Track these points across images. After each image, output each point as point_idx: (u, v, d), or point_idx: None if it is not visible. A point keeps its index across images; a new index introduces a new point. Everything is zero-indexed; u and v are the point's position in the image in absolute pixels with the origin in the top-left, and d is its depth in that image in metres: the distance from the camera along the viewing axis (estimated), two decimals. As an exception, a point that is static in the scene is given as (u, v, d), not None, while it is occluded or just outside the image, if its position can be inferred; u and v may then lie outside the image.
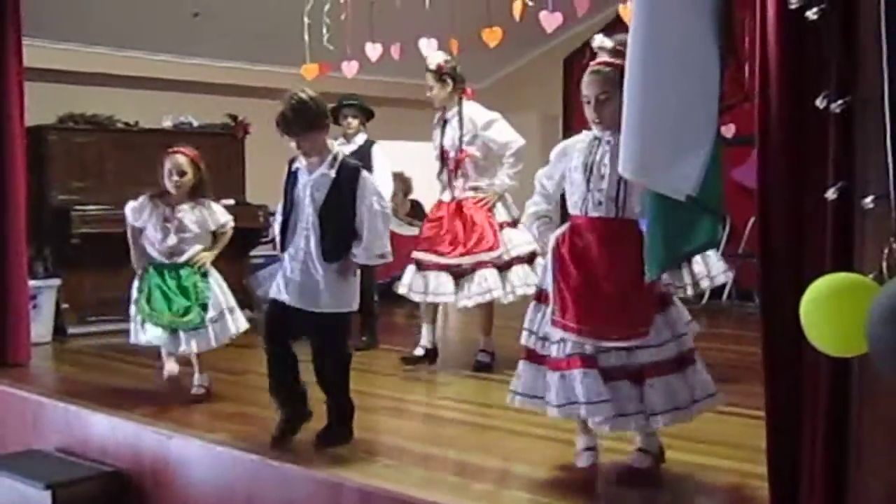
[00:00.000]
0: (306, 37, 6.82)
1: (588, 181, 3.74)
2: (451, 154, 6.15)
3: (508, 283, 5.95)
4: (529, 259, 5.99)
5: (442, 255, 6.02)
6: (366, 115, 7.03)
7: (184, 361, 5.42)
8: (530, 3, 6.18)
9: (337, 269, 4.36)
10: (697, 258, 5.50)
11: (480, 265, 5.96)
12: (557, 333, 3.74)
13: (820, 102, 2.75)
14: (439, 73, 6.10)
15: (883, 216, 2.65)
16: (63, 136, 7.77)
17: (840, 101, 2.70)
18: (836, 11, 2.72)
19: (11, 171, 6.32)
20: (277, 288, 4.46)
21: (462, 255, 5.99)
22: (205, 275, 5.36)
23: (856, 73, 2.72)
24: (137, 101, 8.41)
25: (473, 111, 6.16)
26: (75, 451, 5.02)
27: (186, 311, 5.27)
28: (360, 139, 6.92)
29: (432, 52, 6.29)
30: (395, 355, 6.42)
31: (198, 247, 5.38)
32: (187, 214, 5.37)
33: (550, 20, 6.13)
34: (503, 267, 5.99)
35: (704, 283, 5.31)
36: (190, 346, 5.30)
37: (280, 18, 7.30)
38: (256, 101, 8.44)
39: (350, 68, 7.14)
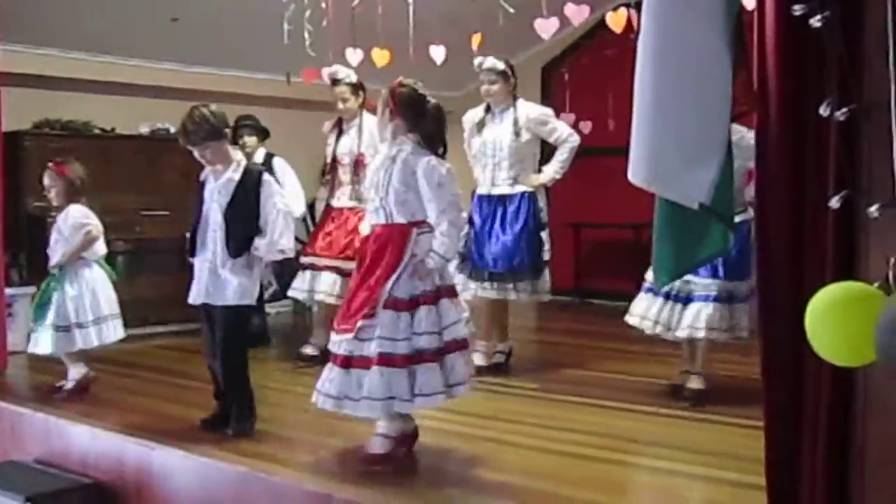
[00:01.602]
0: (286, 42, 6.78)
1: (371, 193, 4.32)
2: (346, 161, 6.55)
3: None
4: None
5: (332, 258, 6.46)
6: (262, 133, 7.44)
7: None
8: (511, 11, 6.20)
9: (244, 262, 4.73)
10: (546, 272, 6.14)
11: (331, 269, 6.43)
12: None
13: (823, 110, 2.72)
14: (354, 87, 6.53)
15: (888, 225, 2.63)
16: (39, 142, 7.66)
17: (844, 109, 2.67)
18: (840, 18, 2.70)
19: (-13, 178, 6.23)
20: (192, 294, 4.86)
21: (322, 254, 6.48)
22: (58, 280, 5.60)
23: (860, 81, 2.70)
24: (114, 107, 8.30)
25: (372, 123, 6.25)
26: (55, 463, 4.93)
27: (35, 317, 5.63)
28: (261, 155, 7.31)
29: (342, 68, 6.61)
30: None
31: (60, 252, 5.65)
32: (58, 222, 5.73)
33: (546, 26, 6.14)
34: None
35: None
36: (49, 347, 5.57)
37: (260, 24, 7.23)
38: (236, 108, 8.35)
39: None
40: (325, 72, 7.07)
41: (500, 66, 6.04)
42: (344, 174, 6.58)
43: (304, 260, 6.60)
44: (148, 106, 8.47)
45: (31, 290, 7.20)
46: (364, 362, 4.09)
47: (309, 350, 6.58)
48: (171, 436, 4.65)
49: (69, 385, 5.62)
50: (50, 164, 5.74)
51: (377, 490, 3.87)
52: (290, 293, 6.73)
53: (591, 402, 5.32)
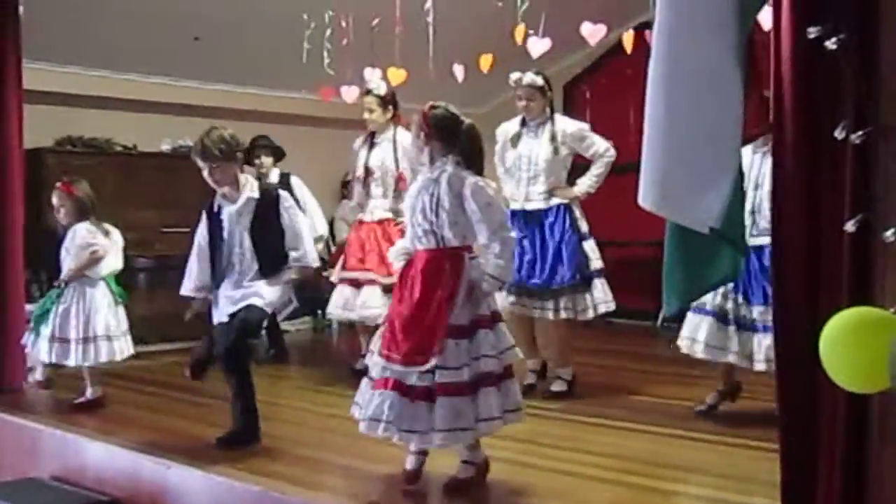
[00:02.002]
0: (304, 61, 6.82)
1: (412, 217, 4.15)
2: (378, 174, 6.47)
3: None
4: None
5: (372, 271, 6.35)
6: (277, 153, 7.41)
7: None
8: (531, 32, 6.22)
9: (270, 280, 4.79)
10: (597, 283, 5.98)
11: (371, 282, 6.32)
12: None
13: (839, 133, 2.71)
14: (382, 99, 6.43)
15: (904, 249, 2.61)
16: (61, 158, 7.73)
17: (860, 132, 2.65)
18: (855, 40, 2.69)
19: (9, 194, 6.26)
20: (217, 316, 4.86)
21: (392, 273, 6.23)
22: (60, 295, 5.72)
23: (876, 104, 2.68)
24: (136, 125, 8.37)
25: (405, 138, 6.26)
26: (71, 480, 4.93)
27: (35, 325, 5.80)
28: (275, 175, 7.30)
29: (377, 80, 6.55)
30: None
31: (66, 271, 5.74)
32: (66, 240, 5.78)
33: (538, 46, 6.21)
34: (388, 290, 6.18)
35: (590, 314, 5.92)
36: (40, 356, 5.77)
37: (280, 43, 7.28)
38: (255, 126, 8.40)
39: (350, 93, 7.15)
40: (344, 90, 7.12)
41: (539, 81, 5.98)
42: (376, 187, 6.51)
43: (341, 276, 6.53)
44: (169, 123, 8.53)
45: (52, 306, 7.28)
46: (425, 392, 3.94)
47: (360, 366, 6.46)
48: (187, 454, 4.64)
49: (80, 399, 5.73)
50: (58, 185, 5.80)
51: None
52: (332, 313, 6.63)
53: (610, 424, 5.27)
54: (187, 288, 5.00)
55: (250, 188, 4.83)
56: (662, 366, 7.15)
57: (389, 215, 6.45)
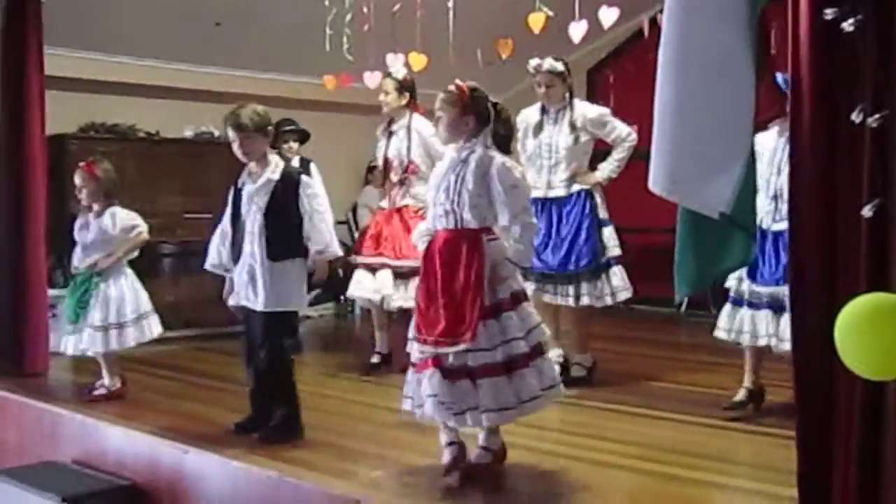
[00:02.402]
0: (327, 47, 6.81)
1: (435, 196, 4.12)
2: (396, 164, 6.43)
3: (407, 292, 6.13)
4: None
5: (385, 256, 6.33)
6: (302, 137, 7.35)
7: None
8: (552, 15, 6.15)
9: (285, 267, 4.68)
10: (615, 271, 5.92)
11: (385, 266, 6.31)
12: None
13: (855, 116, 2.66)
14: (399, 83, 6.39)
15: (922, 235, 2.57)
16: (84, 145, 7.74)
17: (877, 116, 2.61)
18: (873, 22, 2.64)
19: (32, 180, 6.32)
20: (234, 297, 4.83)
21: (401, 257, 6.25)
22: (98, 281, 5.63)
23: (894, 87, 2.63)
24: (159, 111, 8.39)
25: (421, 125, 6.34)
26: (92, 464, 4.97)
27: (76, 317, 5.62)
28: (296, 161, 7.17)
29: (400, 66, 6.55)
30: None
31: (101, 254, 5.67)
32: (92, 223, 5.72)
33: (577, 30, 6.08)
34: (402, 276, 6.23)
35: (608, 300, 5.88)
36: (84, 345, 5.61)
37: (302, 28, 7.26)
38: (278, 112, 8.37)
39: (372, 79, 7.13)
40: (367, 76, 7.11)
41: (559, 67, 5.88)
42: (395, 176, 6.49)
43: (360, 260, 6.50)
44: (192, 109, 8.56)
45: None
46: (465, 371, 3.90)
47: (375, 359, 6.50)
48: (205, 439, 4.66)
49: (101, 391, 5.65)
50: (81, 165, 5.74)
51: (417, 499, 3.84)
52: (353, 293, 6.55)
53: (631, 411, 5.24)
54: (207, 263, 5.00)
55: (272, 169, 4.76)
56: (684, 353, 7.12)
57: (409, 202, 6.43)
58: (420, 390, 3.97)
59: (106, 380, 5.67)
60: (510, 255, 3.99)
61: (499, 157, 4.02)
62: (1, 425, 5.71)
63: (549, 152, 5.98)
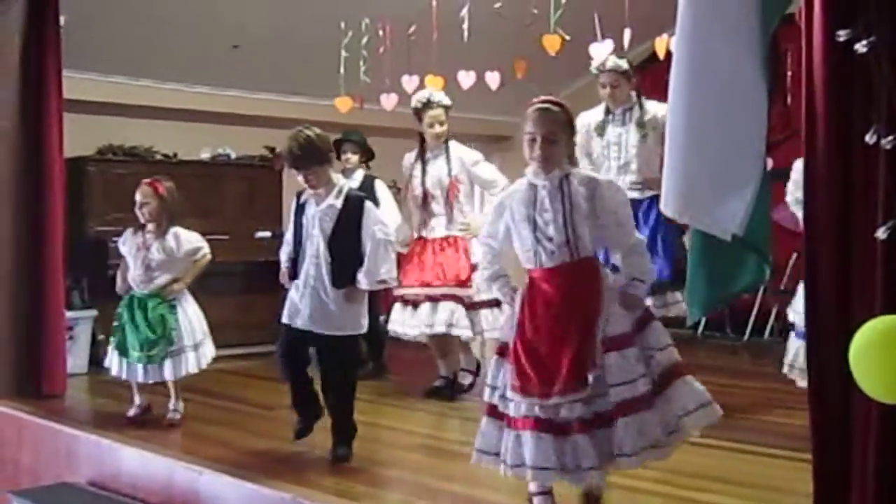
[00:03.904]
0: (342, 70, 6.84)
1: (535, 233, 3.59)
2: (437, 192, 6.21)
3: (476, 324, 6.02)
4: (497, 303, 5.85)
5: (423, 286, 6.11)
6: (366, 152, 7.11)
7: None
8: (567, 38, 6.13)
9: (345, 294, 4.60)
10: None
11: (448, 297, 6.04)
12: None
13: (869, 138, 2.65)
14: (447, 109, 6.15)
15: (936, 257, 2.55)
16: (102, 167, 7.82)
17: (891, 137, 2.60)
18: (886, 43, 2.63)
19: (50, 202, 6.34)
20: (288, 314, 4.70)
21: (435, 284, 6.07)
22: (173, 306, 5.50)
23: (907, 108, 2.62)
24: (176, 133, 8.45)
25: (462, 151, 6.22)
26: (107, 486, 4.97)
27: (152, 344, 5.42)
28: (360, 176, 7.00)
29: (433, 90, 6.29)
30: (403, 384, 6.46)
31: (167, 276, 5.52)
32: (154, 243, 5.52)
33: (600, 50, 5.99)
34: (470, 307, 6.03)
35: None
36: (161, 373, 5.46)
37: (319, 51, 7.30)
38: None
39: (389, 101, 7.15)
40: (383, 98, 7.12)
41: (624, 65, 5.72)
42: (436, 206, 6.24)
43: (397, 293, 6.16)
44: (209, 131, 8.62)
45: (93, 313, 7.36)
46: (582, 423, 3.48)
47: (438, 383, 6.32)
48: (220, 460, 4.66)
49: (174, 416, 5.53)
50: (145, 181, 5.58)
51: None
52: (394, 330, 6.24)
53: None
54: (282, 270, 4.88)
55: (336, 194, 4.64)
56: (703, 375, 7.03)
57: (454, 232, 6.20)
58: (511, 450, 3.55)
59: (178, 404, 5.57)
60: (638, 274, 3.57)
61: (600, 177, 3.76)
62: (17, 446, 5.72)
63: (617, 152, 5.79)
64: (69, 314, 6.84)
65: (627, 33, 6.02)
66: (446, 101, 6.21)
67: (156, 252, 5.51)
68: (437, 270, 6.14)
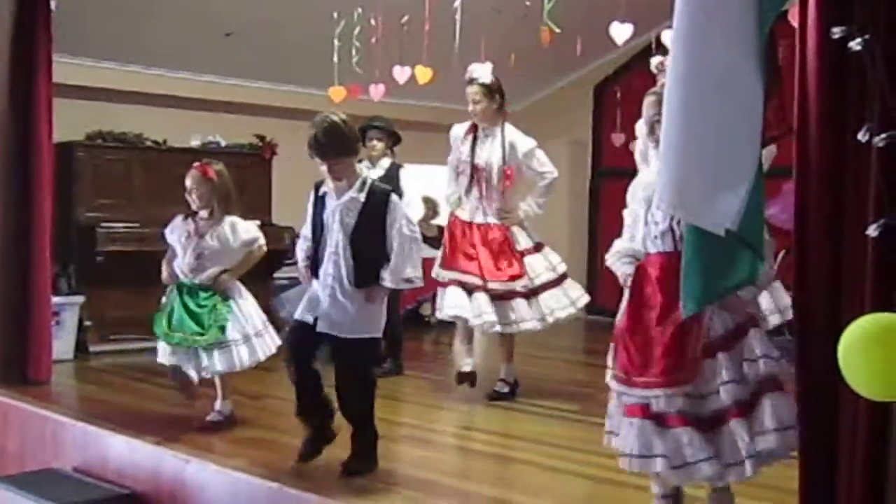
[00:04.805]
0: (335, 59, 6.82)
1: (646, 216, 3.53)
2: (493, 171, 5.93)
3: (538, 311, 5.89)
4: (557, 282, 5.92)
5: (479, 276, 5.84)
6: (392, 138, 6.85)
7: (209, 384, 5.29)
8: (557, 31, 6.13)
9: (366, 294, 4.32)
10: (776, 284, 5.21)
11: (512, 294, 5.84)
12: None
13: (862, 136, 2.66)
14: (489, 89, 5.90)
15: (928, 255, 2.56)
16: (91, 153, 7.77)
17: (884, 135, 2.60)
18: (880, 42, 2.64)
19: (38, 187, 6.31)
20: (304, 310, 4.41)
21: (496, 280, 5.84)
22: (226, 298, 5.18)
23: (901, 106, 2.63)
24: (166, 120, 8.40)
25: (515, 136, 6.00)
26: (93, 472, 4.96)
27: (202, 332, 5.06)
28: (386, 163, 6.75)
29: (481, 67, 6.01)
30: (420, 382, 6.34)
31: (218, 267, 5.18)
32: (208, 232, 5.20)
33: (621, 31, 5.95)
34: (530, 295, 5.90)
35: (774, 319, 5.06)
36: (211, 365, 5.08)
37: (310, 40, 7.28)
38: (285, 122, 8.42)
39: (377, 91, 7.13)
40: (372, 88, 7.10)
41: (487, 80, 5.83)
42: (482, 188, 5.98)
43: (451, 276, 5.92)
44: (199, 119, 8.58)
45: (80, 299, 7.33)
46: (714, 418, 3.35)
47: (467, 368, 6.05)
48: (207, 448, 4.66)
49: (216, 417, 5.24)
50: (195, 165, 5.25)
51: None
52: (447, 313, 5.91)
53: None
54: (300, 265, 4.58)
55: (359, 187, 4.34)
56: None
57: (492, 221, 5.98)
58: (631, 439, 3.39)
59: (224, 405, 5.28)
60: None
61: None
62: (3, 433, 5.70)
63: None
64: (56, 300, 6.79)
65: (626, 28, 6.04)
66: (485, 78, 5.91)
67: (210, 240, 5.18)
68: (491, 263, 5.88)
